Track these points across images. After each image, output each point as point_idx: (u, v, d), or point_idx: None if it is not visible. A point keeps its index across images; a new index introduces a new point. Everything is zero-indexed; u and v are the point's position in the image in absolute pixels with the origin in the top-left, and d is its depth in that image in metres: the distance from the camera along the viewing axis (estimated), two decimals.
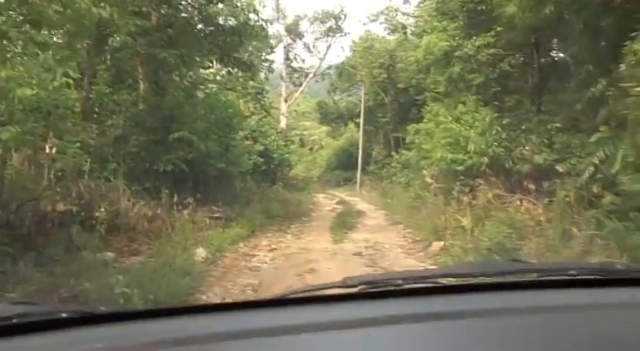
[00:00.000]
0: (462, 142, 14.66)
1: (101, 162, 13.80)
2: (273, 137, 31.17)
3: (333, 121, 42.45)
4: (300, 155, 44.86)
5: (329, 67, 41.19)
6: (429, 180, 16.53)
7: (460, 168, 14.48)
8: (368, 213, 21.90)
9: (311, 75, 40.19)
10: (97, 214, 10.58)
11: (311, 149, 49.86)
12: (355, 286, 1.93)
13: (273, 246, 13.02)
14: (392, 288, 1.96)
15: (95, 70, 16.70)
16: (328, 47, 39.73)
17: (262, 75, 27.44)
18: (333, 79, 40.10)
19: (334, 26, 38.34)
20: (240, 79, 24.66)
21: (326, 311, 1.85)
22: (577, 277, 2.04)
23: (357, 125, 39.45)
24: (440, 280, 2.03)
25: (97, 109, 16.24)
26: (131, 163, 15.24)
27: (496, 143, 13.99)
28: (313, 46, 39.65)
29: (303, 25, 40.34)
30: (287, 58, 38.51)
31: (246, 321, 1.74)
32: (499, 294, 2.00)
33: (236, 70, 21.40)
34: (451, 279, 2.11)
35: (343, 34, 39.26)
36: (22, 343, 1.54)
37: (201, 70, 22.11)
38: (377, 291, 1.95)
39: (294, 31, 37.68)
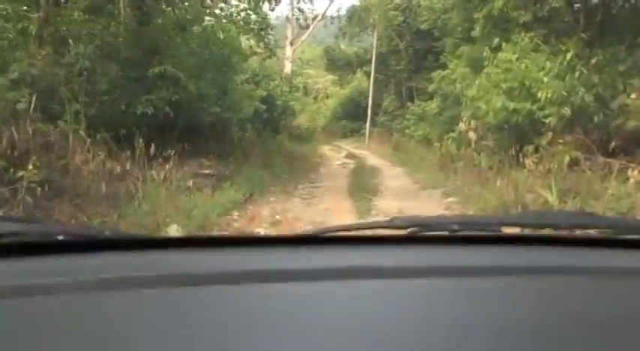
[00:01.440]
0: (531, 87, 11.01)
1: (55, 101, 10.25)
2: (277, 82, 27.55)
3: (341, 69, 38.60)
4: (304, 104, 41.00)
5: (338, 10, 37.22)
6: (471, 135, 12.95)
7: (523, 120, 10.92)
8: (384, 171, 18.43)
9: (319, 17, 36.11)
10: (21, 172, 7.08)
11: (315, 98, 46.02)
12: (404, 227, 1.69)
13: (278, 217, 9.53)
14: (446, 234, 1.71)
15: None
16: None
17: (266, 7, 23.38)
18: (342, 24, 36.08)
19: None
20: (242, 13, 20.83)
21: (368, 254, 1.60)
22: None
23: (367, 73, 35.73)
24: (502, 228, 1.77)
25: (60, 36, 12.59)
26: (98, 103, 11.72)
27: (584, 88, 10.42)
28: None
29: None
30: None
31: (274, 260, 1.53)
32: (568, 249, 1.73)
33: None
34: (514, 228, 1.87)
35: None
36: (12, 265, 1.36)
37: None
38: (429, 235, 1.74)
39: None
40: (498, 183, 10.08)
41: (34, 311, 1.16)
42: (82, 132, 9.57)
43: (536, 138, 10.87)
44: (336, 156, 24.73)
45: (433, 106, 23.70)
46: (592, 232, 1.92)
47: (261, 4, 22.53)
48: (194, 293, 1.26)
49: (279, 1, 24.65)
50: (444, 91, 20.76)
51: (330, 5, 36.29)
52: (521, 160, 10.72)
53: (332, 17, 36.49)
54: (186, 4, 17.53)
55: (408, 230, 1.68)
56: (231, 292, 1.28)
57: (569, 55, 10.61)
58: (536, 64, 11.41)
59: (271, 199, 11.55)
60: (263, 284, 1.32)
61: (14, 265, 1.38)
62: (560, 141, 10.20)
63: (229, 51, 17.18)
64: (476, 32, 20.59)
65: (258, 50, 24.04)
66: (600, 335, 1.12)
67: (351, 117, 37.89)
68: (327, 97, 44.85)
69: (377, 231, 1.79)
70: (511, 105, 10.97)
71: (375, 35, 31.65)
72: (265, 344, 1.03)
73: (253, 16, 22.36)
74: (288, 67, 33.41)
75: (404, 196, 12.00)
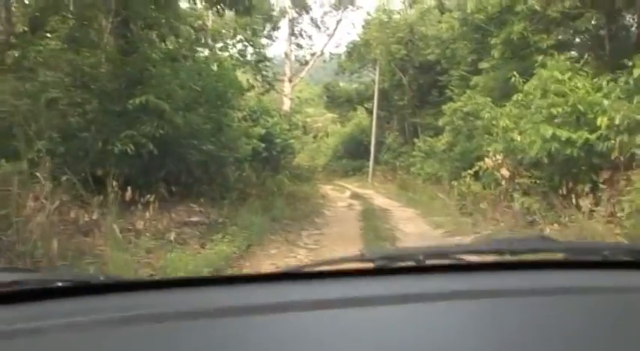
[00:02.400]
0: (586, 112, 9.07)
1: (10, 136, 8.39)
2: (276, 119, 25.80)
3: (341, 106, 36.82)
4: (304, 143, 39.22)
5: (337, 46, 35.63)
6: (504, 172, 11.01)
7: (578, 153, 8.96)
8: (395, 212, 16.48)
9: (318, 53, 34.51)
10: None
11: (315, 137, 44.20)
12: (373, 260, 1.79)
13: None
14: (412, 264, 1.80)
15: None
16: (338, 22, 33.99)
17: (263, 41, 21.57)
18: (341, 60, 34.46)
19: None
20: (238, 44, 19.10)
21: (340, 287, 1.67)
22: (608, 259, 1.85)
23: (368, 110, 34.04)
24: (463, 256, 1.86)
25: (28, 64, 10.74)
26: (70, 140, 9.86)
27: None
28: (321, 20, 33.92)
29: None
30: (292, 34, 32.84)
31: (252, 295, 1.60)
32: (525, 273, 1.82)
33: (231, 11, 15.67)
34: (475, 256, 1.92)
35: (355, 7, 33.43)
36: (14, 310, 1.42)
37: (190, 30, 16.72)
38: (396, 267, 1.79)
39: (300, 3, 31.96)
40: (548, 230, 8.14)
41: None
42: (40, 174, 7.61)
43: (593, 174, 8.94)
44: (340, 196, 22.80)
45: (443, 141, 21.83)
46: (548, 256, 2.03)
47: (257, 36, 20.84)
48: (186, 328, 1.33)
49: (277, 35, 22.91)
50: (455, 125, 18.92)
51: (329, 41, 33.58)
52: (573, 200, 8.78)
53: (331, 54, 35.02)
54: (178, 37, 15.84)
55: (376, 263, 1.76)
56: (217, 325, 1.36)
57: (637, 73, 8.63)
58: (589, 85, 9.51)
59: (272, 251, 9.56)
60: (246, 317, 1.40)
61: (16, 311, 1.41)
62: (625, 178, 8.26)
63: (224, 84, 15.44)
64: (487, 61, 19.11)
65: (256, 84, 22.21)
66: (563, 348, 1.19)
67: (353, 155, 36.04)
68: (327, 135, 43.00)
69: (348, 265, 1.83)
70: (564, 134, 9.04)
71: (377, 70, 29.94)
72: None
73: (250, 49, 20.66)
74: (287, 105, 31.75)
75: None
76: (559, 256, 1.99)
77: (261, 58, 22.05)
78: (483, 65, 19.29)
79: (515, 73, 12.05)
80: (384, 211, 16.59)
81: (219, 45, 17.51)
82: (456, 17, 20.60)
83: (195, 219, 10.43)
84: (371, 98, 32.27)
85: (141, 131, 10.68)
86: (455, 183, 15.50)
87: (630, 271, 1.85)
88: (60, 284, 1.56)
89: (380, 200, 20.92)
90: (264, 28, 28.88)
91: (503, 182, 11.30)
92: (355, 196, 22.42)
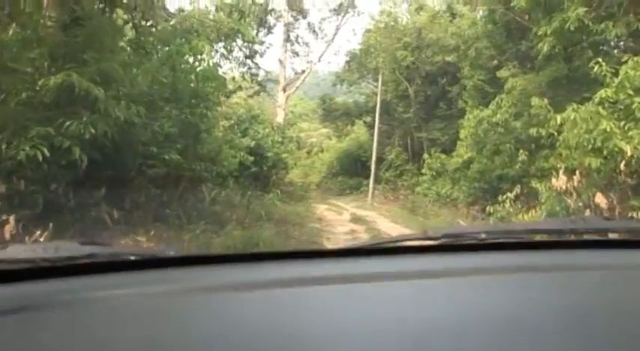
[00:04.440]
0: None
1: None
2: (267, 130, 22.24)
3: (338, 120, 33.12)
4: (297, 158, 35.53)
5: (336, 53, 32.11)
6: (600, 199, 7.41)
7: None
8: None
9: (315, 61, 30.89)
10: None
11: (309, 152, 40.47)
12: (437, 238, 1.79)
13: None
14: (475, 241, 1.80)
15: None
16: (337, 28, 30.38)
17: (253, 32, 17.76)
18: (340, 70, 30.95)
19: (346, 2, 28.92)
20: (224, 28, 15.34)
21: (406, 262, 1.70)
22: None
23: (366, 124, 30.38)
24: (525, 235, 1.90)
25: None
26: None
27: None
28: (319, 26, 30.32)
29: (308, 0, 31.11)
30: (287, 40, 29.23)
31: (314, 270, 1.60)
32: (588, 251, 1.81)
33: None
34: (537, 235, 1.98)
35: (356, 13, 29.78)
36: (90, 281, 1.45)
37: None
38: (459, 243, 1.81)
39: (296, 7, 28.41)
40: None
41: (114, 319, 1.26)
42: None
43: None
44: (339, 219, 19.05)
45: (460, 158, 18.26)
46: (610, 236, 1.94)
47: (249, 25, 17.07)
48: (247, 299, 1.35)
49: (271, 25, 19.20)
50: (479, 139, 15.30)
51: (327, 48, 29.91)
52: None
53: (328, 62, 31.45)
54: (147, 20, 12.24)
55: (440, 240, 1.77)
56: (278, 295, 1.36)
57: None
58: None
59: None
60: (307, 288, 1.42)
61: (92, 281, 1.45)
62: None
63: (202, 77, 11.83)
64: (508, 68, 15.63)
65: (244, 85, 18.52)
66: (617, 324, 1.14)
67: (349, 173, 32.31)
68: (322, 150, 39.27)
69: (414, 242, 1.88)
70: None
71: (380, 80, 26.31)
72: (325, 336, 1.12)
73: (239, 41, 16.88)
74: (280, 116, 28.10)
75: None
76: (620, 235, 1.96)
77: (251, 54, 18.41)
78: (503, 74, 15.83)
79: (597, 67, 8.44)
80: None
81: (197, 27, 13.49)
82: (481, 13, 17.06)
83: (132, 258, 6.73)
84: (371, 111, 28.67)
85: (65, 130, 7.00)
86: (490, 208, 11.81)
87: None
88: (132, 258, 1.60)
89: (385, 225, 17.22)
90: (257, 32, 25.35)
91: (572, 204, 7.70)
92: (356, 219, 18.67)
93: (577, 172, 8.31)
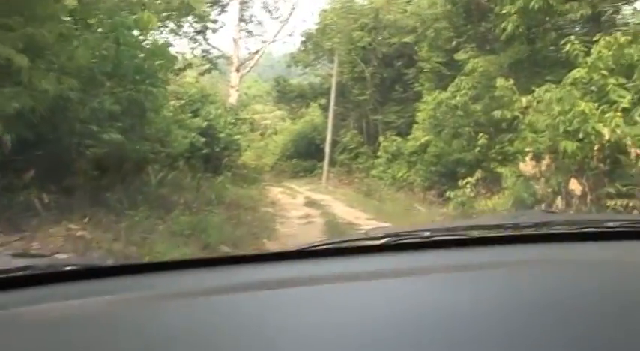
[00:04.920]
0: None
1: None
2: (220, 111, 21.38)
3: (293, 101, 32.33)
4: (250, 141, 34.64)
5: (291, 34, 31.26)
6: (575, 186, 6.90)
7: None
8: (367, 228, 12.21)
9: (269, 41, 29.99)
10: None
11: (262, 134, 39.51)
12: (380, 238, 1.77)
13: None
14: (418, 240, 1.78)
15: None
16: (293, 8, 29.57)
17: (202, 8, 16.75)
18: (295, 51, 30.16)
19: None
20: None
21: (349, 263, 1.66)
22: (614, 230, 1.83)
23: (321, 106, 29.72)
24: (468, 232, 1.85)
25: None
26: None
27: None
28: (274, 6, 29.40)
29: None
30: (241, 19, 28.27)
31: (265, 272, 1.58)
32: (529, 246, 1.80)
33: None
34: (480, 231, 1.90)
35: None
36: (24, 295, 1.39)
37: None
38: (402, 243, 1.76)
39: None
40: None
41: (54, 332, 1.19)
42: None
43: None
44: (293, 203, 18.39)
45: (417, 141, 17.77)
46: (550, 230, 1.93)
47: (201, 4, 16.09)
48: (188, 306, 1.30)
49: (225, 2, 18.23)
50: (438, 121, 14.81)
51: (281, 28, 29.04)
52: None
53: (283, 43, 30.60)
54: None
55: (383, 240, 1.74)
56: (232, 300, 1.33)
57: None
58: None
59: None
60: (249, 293, 1.36)
61: (27, 294, 1.39)
62: None
63: (149, 52, 11.00)
64: (466, 51, 15.19)
65: (195, 62, 17.65)
66: (560, 317, 1.14)
67: (303, 155, 31.65)
68: (276, 133, 38.43)
69: (356, 243, 1.83)
70: None
71: (336, 62, 25.61)
72: (268, 341, 1.08)
73: (191, 17, 15.92)
74: (233, 97, 27.24)
75: None
76: (561, 228, 1.94)
77: (201, 29, 17.44)
78: (460, 56, 15.39)
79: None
80: (354, 228, 12.33)
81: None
82: None
83: (62, 256, 5.98)
84: (326, 93, 27.98)
85: None
86: (450, 193, 11.30)
87: (632, 241, 1.80)
88: (69, 268, 1.54)
89: (341, 209, 16.63)
90: (211, 10, 24.36)
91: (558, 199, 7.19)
92: (311, 203, 18.04)
93: (546, 156, 7.85)
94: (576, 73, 7.61)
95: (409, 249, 1.75)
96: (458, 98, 13.34)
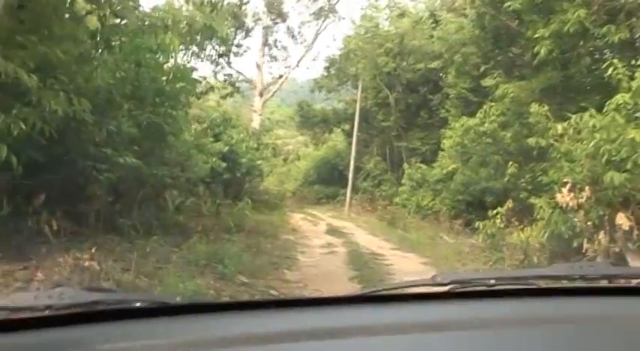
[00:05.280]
0: None
1: None
2: (242, 136, 21.05)
3: (316, 127, 31.99)
4: (272, 166, 34.34)
5: (315, 58, 31.03)
6: (622, 220, 6.37)
7: None
8: (392, 259, 11.74)
9: (293, 66, 29.81)
10: None
11: (285, 160, 39.24)
12: (445, 284, 1.67)
13: None
14: (484, 288, 1.71)
15: None
16: (317, 33, 29.34)
17: (225, 31, 16.45)
18: (318, 76, 29.92)
19: (326, 6, 27.88)
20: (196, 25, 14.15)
21: (413, 310, 1.62)
22: None
23: (345, 132, 29.35)
24: (534, 281, 1.76)
25: None
26: None
27: None
28: (299, 31, 29.22)
29: (288, 3, 29.89)
30: (265, 43, 28.11)
31: (327, 318, 1.54)
32: (598, 299, 1.72)
33: None
34: (547, 281, 1.84)
35: (337, 18, 28.74)
36: (94, 331, 1.38)
37: None
38: (468, 291, 1.70)
39: (276, 10, 27.30)
40: None
41: None
42: None
43: None
44: (314, 230, 17.94)
45: (444, 168, 17.28)
46: (621, 282, 1.87)
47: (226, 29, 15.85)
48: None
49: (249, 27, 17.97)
50: (465, 149, 14.30)
51: (305, 53, 28.78)
52: None
53: (307, 68, 30.38)
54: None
55: (449, 287, 1.66)
56: (288, 348, 1.31)
57: None
58: None
59: None
60: (321, 341, 1.34)
61: (97, 331, 1.39)
62: None
63: (170, 75, 10.71)
64: (492, 77, 14.72)
65: (217, 86, 17.38)
66: None
67: (326, 181, 31.24)
68: (299, 158, 38.09)
69: (420, 289, 1.76)
70: None
71: (360, 87, 25.27)
72: None
73: (214, 42, 15.66)
74: (256, 121, 26.97)
75: None
76: (631, 282, 1.87)
77: (225, 53, 17.18)
78: (488, 82, 14.92)
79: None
80: (377, 258, 11.82)
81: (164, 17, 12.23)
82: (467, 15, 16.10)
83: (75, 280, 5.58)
84: (349, 119, 27.66)
85: None
86: (479, 224, 10.75)
87: None
88: (139, 304, 1.52)
89: (364, 238, 16.13)
90: (235, 35, 24.24)
91: (601, 237, 6.63)
92: (333, 231, 17.58)
93: (587, 187, 7.31)
94: (620, 98, 7.10)
95: (475, 297, 1.71)
96: (487, 125, 12.84)
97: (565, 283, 1.83)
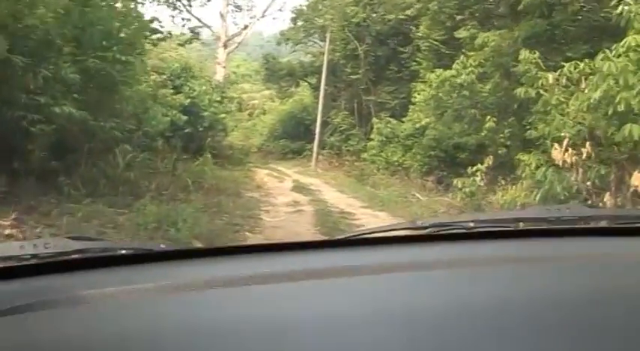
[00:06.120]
0: None
1: None
2: (205, 88, 19.84)
3: (282, 80, 30.64)
4: (237, 120, 33.07)
5: (281, 8, 29.64)
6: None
7: None
8: (362, 218, 10.95)
9: (258, 17, 28.34)
10: None
11: (250, 114, 37.90)
12: (425, 227, 1.76)
13: None
14: (463, 231, 1.75)
15: None
16: None
17: None
18: (285, 29, 28.57)
19: None
20: None
21: (394, 252, 1.63)
22: None
23: (312, 86, 28.20)
24: (512, 224, 1.80)
25: None
26: None
27: None
28: None
29: None
30: None
31: (310, 261, 1.55)
32: (573, 240, 1.75)
33: None
34: (524, 223, 1.86)
35: None
36: (80, 278, 1.38)
37: None
38: (447, 233, 1.75)
39: None
40: None
41: (103, 316, 1.20)
42: None
43: None
44: (280, 187, 16.94)
45: (416, 123, 16.41)
46: (594, 224, 1.90)
47: None
48: (236, 294, 1.30)
49: None
50: (440, 101, 13.36)
51: (271, 3, 27.34)
52: None
53: (273, 18, 28.98)
54: None
55: (428, 229, 1.72)
56: (272, 290, 1.30)
57: None
58: None
59: None
60: (303, 282, 1.34)
61: (82, 278, 1.38)
62: None
63: (119, 15, 9.52)
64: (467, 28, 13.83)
65: (176, 33, 16.18)
66: (604, 313, 1.12)
67: (292, 136, 30.09)
68: (264, 113, 36.81)
69: (400, 232, 1.81)
70: None
71: (328, 38, 24.05)
72: (309, 331, 1.07)
73: None
74: (220, 74, 25.62)
75: None
76: (604, 223, 1.92)
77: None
78: (462, 34, 14.06)
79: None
80: (347, 217, 10.97)
81: None
82: None
83: None
84: (316, 72, 26.45)
85: None
86: (457, 182, 9.90)
87: None
88: (123, 252, 1.54)
89: (332, 195, 15.25)
90: None
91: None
92: (299, 187, 16.59)
93: (587, 143, 6.45)
94: (632, 40, 6.16)
95: (454, 240, 1.72)
96: (464, 77, 11.90)
97: (542, 225, 1.81)
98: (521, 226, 1.81)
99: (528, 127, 8.66)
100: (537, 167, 7.50)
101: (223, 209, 10.05)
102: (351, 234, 1.84)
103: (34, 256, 1.40)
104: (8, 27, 6.62)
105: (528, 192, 7.66)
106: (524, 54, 8.40)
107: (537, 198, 7.18)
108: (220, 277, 1.38)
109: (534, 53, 8.32)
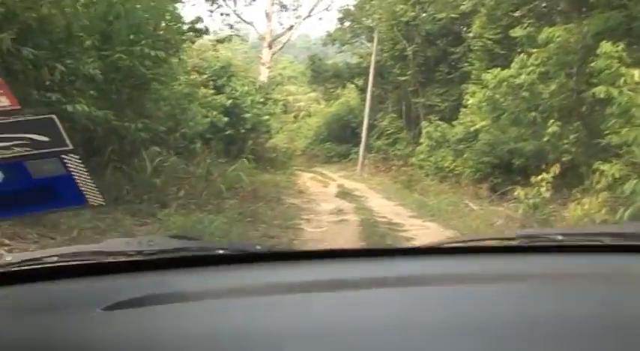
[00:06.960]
0: None
1: None
2: (247, 88, 19.08)
3: (328, 81, 29.69)
4: (282, 122, 32.33)
5: (328, 7, 28.68)
6: None
7: None
8: (411, 230, 9.91)
9: (304, 16, 27.49)
10: None
11: (296, 117, 37.12)
12: (514, 238, 1.70)
13: None
14: (552, 243, 1.65)
15: None
16: None
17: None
18: (331, 28, 27.67)
19: None
20: None
21: (481, 262, 1.60)
22: None
23: (359, 88, 27.19)
24: (604, 238, 1.66)
25: None
26: None
27: None
28: None
29: None
30: None
31: (395, 268, 1.51)
32: None
33: None
34: (616, 238, 1.69)
35: None
36: (179, 275, 1.42)
37: None
38: (536, 245, 1.65)
39: None
40: None
41: (199, 314, 1.20)
42: None
43: None
44: (324, 192, 16.03)
45: (459, 128, 15.35)
46: None
47: None
48: (333, 297, 1.29)
49: None
50: (496, 103, 12.20)
51: (318, 2, 26.45)
52: None
53: (319, 19, 28.14)
54: None
55: (517, 241, 1.67)
56: (358, 295, 1.30)
57: None
58: None
59: None
60: (388, 288, 1.34)
61: (179, 276, 1.41)
62: None
63: (149, 7, 8.74)
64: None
65: (213, 28, 15.47)
66: None
67: (337, 139, 29.21)
68: (310, 115, 35.95)
69: (490, 242, 1.80)
70: None
71: (375, 38, 23.02)
72: (394, 336, 1.04)
73: None
74: (264, 75, 24.85)
75: None
76: None
77: None
78: (518, 32, 12.92)
79: None
80: (394, 229, 9.94)
81: None
82: None
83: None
84: (363, 73, 25.44)
85: None
86: (519, 192, 8.79)
87: None
88: (220, 252, 1.56)
89: (378, 202, 14.26)
90: None
91: None
92: (344, 193, 15.64)
93: None
94: None
95: (543, 252, 1.65)
96: (524, 77, 10.76)
97: (634, 241, 1.64)
98: (610, 241, 1.65)
99: (607, 132, 7.51)
100: (618, 178, 6.39)
101: (260, 218, 9.16)
102: (440, 242, 1.85)
103: (139, 252, 1.44)
104: (19, 16, 5.83)
105: (608, 207, 6.55)
106: (604, 47, 7.26)
107: (627, 214, 6.05)
108: (313, 281, 1.38)
109: (617, 46, 7.18)
